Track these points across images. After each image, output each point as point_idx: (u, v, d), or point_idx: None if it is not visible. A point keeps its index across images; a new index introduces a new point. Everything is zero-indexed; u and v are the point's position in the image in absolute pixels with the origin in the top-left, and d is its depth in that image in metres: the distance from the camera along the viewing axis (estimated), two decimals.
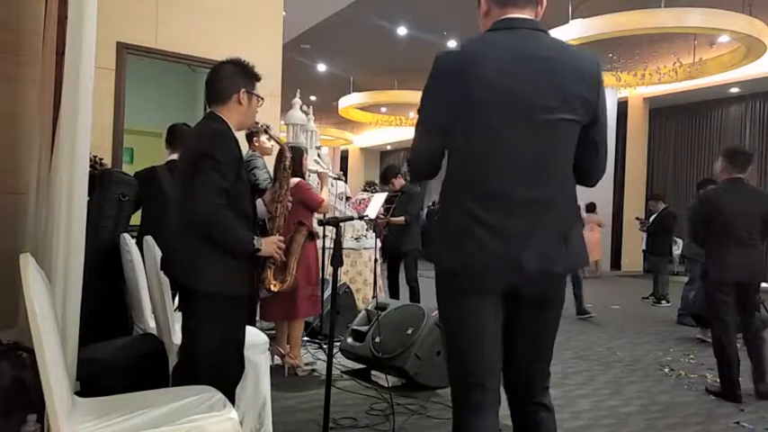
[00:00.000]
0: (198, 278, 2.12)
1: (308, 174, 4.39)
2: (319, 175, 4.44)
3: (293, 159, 3.96)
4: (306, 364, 4.11)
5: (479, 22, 1.82)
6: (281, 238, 2.38)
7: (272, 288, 2.37)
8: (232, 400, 2.21)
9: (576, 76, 1.67)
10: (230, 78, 2.27)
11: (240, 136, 2.30)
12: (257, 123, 2.45)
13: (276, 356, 4.05)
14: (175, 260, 2.20)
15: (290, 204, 2.61)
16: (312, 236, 2.62)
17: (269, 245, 2.28)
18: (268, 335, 3.13)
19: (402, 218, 5.72)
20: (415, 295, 5.79)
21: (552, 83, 1.64)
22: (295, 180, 3.94)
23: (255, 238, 2.20)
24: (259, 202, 2.90)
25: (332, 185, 5.69)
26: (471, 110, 1.63)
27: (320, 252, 4.05)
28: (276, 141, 2.69)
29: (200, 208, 2.06)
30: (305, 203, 3.91)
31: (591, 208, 10.95)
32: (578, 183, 1.79)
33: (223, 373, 2.19)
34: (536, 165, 1.65)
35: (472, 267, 1.66)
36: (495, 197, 1.64)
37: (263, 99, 2.38)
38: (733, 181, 3.92)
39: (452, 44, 10.40)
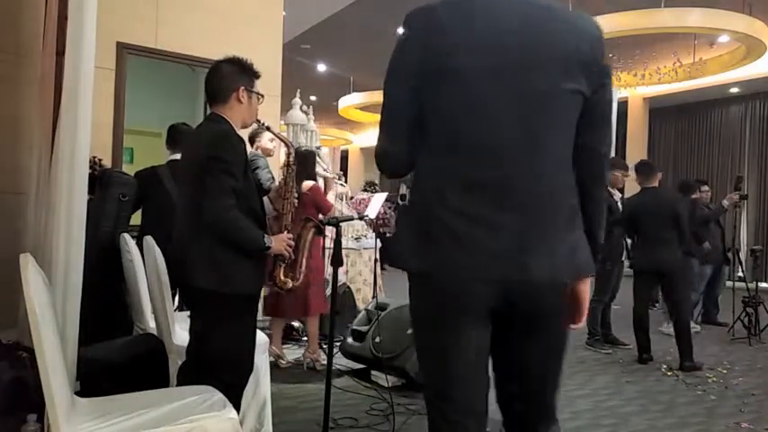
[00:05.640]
0: (212, 279, 2.11)
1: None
2: (326, 180, 4.62)
3: (307, 162, 4.06)
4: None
5: None
6: (290, 235, 2.39)
7: (284, 286, 2.38)
8: (239, 400, 2.21)
9: (575, 39, 1.34)
10: (229, 77, 2.25)
11: (243, 136, 2.29)
12: (259, 122, 2.44)
13: (271, 357, 4.07)
14: (188, 262, 2.16)
15: (296, 201, 2.61)
16: (320, 230, 2.64)
17: (279, 242, 2.28)
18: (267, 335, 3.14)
19: None
20: None
21: (549, 46, 1.31)
22: (310, 183, 4.02)
23: (266, 236, 2.20)
24: (265, 199, 2.91)
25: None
26: (450, 79, 1.32)
27: (323, 251, 4.11)
28: (280, 139, 2.68)
29: (212, 210, 2.06)
30: (318, 207, 3.98)
31: None
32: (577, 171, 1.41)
33: (236, 373, 2.20)
34: (529, 145, 1.32)
35: (448, 270, 1.31)
36: (479, 184, 1.32)
37: (263, 96, 2.36)
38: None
39: None
